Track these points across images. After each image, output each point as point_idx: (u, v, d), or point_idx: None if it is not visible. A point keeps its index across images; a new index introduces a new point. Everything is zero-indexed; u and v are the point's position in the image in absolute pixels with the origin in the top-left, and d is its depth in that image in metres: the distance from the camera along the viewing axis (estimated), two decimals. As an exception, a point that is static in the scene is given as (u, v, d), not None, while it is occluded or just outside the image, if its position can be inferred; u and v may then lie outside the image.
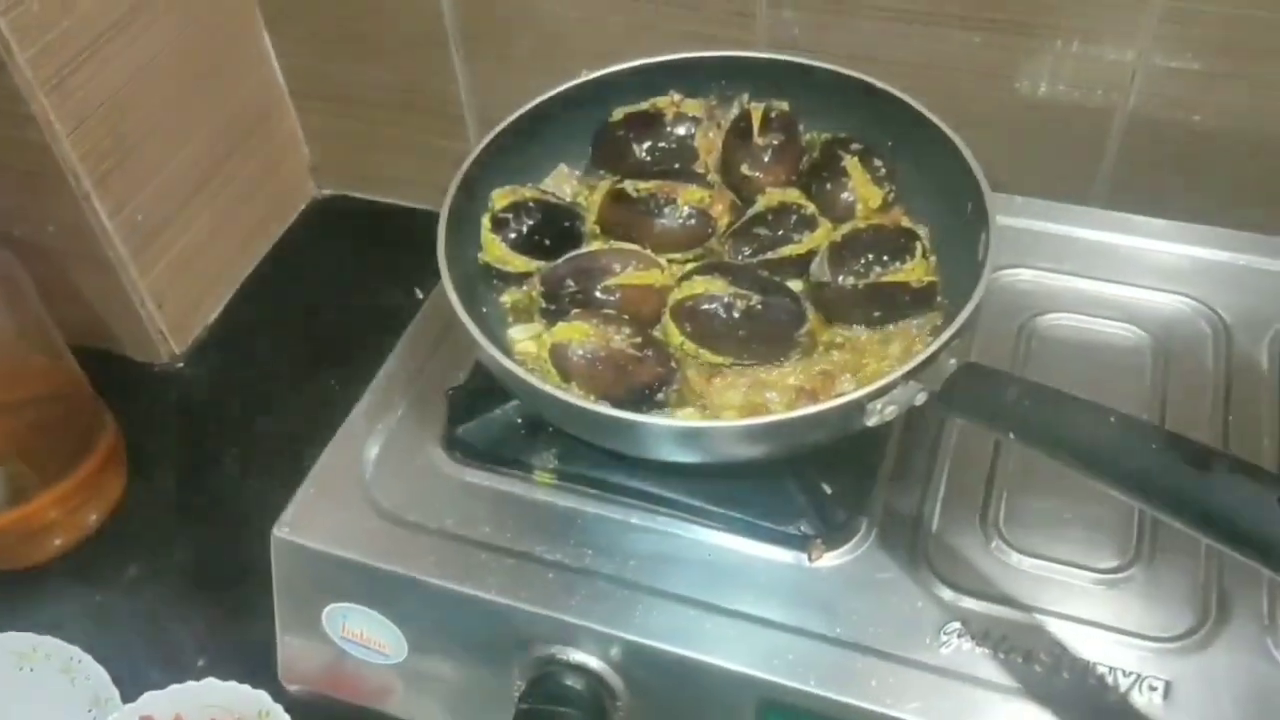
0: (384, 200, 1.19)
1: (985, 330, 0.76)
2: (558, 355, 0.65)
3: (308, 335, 1.08)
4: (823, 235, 0.72)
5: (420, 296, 0.90)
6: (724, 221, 0.73)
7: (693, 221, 0.72)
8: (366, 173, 1.17)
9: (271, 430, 0.98)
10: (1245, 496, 0.45)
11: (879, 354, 0.68)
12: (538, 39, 0.97)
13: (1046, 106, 0.85)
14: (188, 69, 0.98)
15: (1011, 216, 0.83)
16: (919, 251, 0.69)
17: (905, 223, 0.72)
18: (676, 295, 0.68)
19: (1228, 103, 0.80)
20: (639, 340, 0.65)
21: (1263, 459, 0.67)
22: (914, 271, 0.68)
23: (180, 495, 0.94)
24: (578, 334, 0.65)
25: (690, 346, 0.67)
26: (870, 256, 0.68)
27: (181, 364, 1.05)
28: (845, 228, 0.71)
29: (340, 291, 1.12)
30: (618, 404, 0.64)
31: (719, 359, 0.67)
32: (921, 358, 0.59)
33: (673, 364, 0.66)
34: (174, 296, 1.03)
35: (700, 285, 0.67)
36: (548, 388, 0.61)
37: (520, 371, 0.61)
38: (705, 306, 0.66)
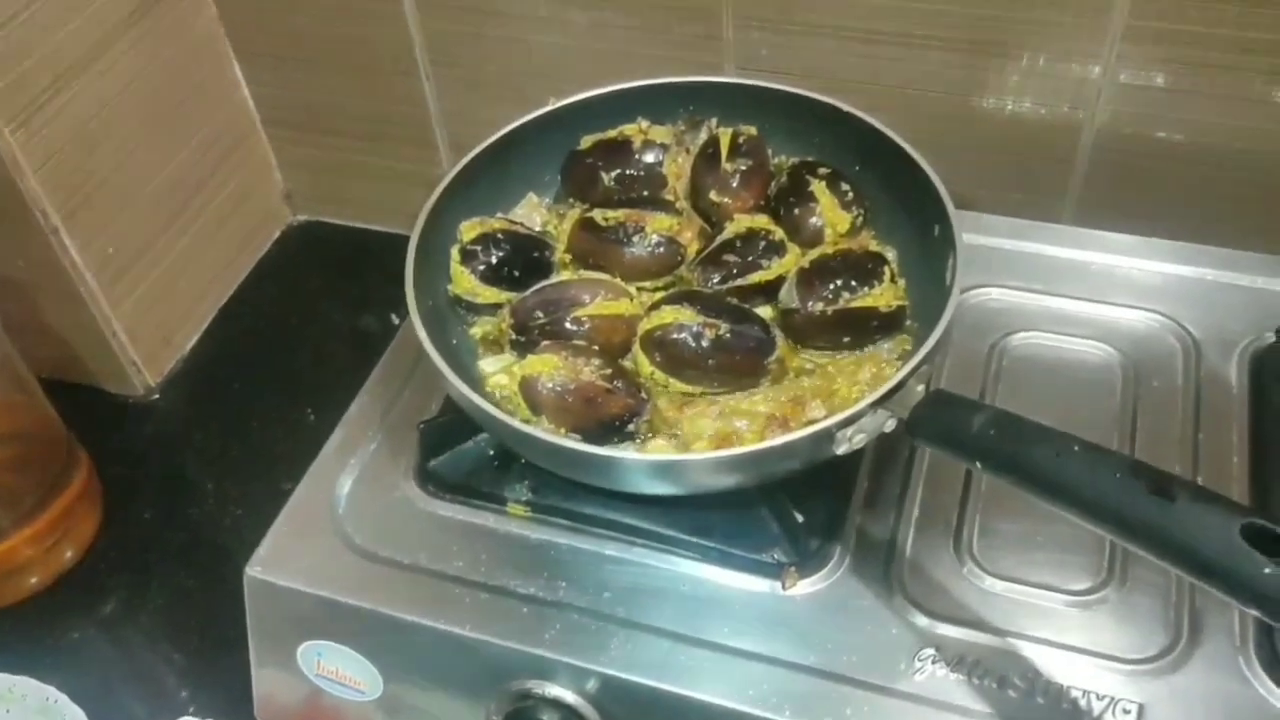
0: (359, 225, 1.19)
1: (956, 351, 0.76)
2: (527, 388, 0.65)
3: (284, 364, 1.07)
4: (791, 261, 0.72)
5: (396, 322, 0.89)
6: (693, 248, 0.73)
7: (661, 249, 0.72)
8: (341, 198, 1.17)
9: (247, 461, 0.97)
10: (1207, 526, 0.46)
11: (850, 379, 0.68)
12: (507, 65, 0.97)
13: (1014, 124, 0.85)
14: (157, 101, 0.98)
15: (981, 235, 0.83)
16: (887, 276, 0.69)
17: (874, 247, 0.72)
18: (645, 325, 0.68)
19: (1193, 118, 0.81)
20: (609, 372, 0.65)
21: (1232, 477, 0.68)
22: (882, 296, 0.68)
23: (157, 530, 0.93)
24: (547, 367, 0.65)
25: (660, 376, 0.67)
26: (839, 282, 0.68)
27: (156, 395, 1.04)
28: (814, 253, 0.71)
29: (317, 318, 1.12)
30: (589, 436, 0.64)
31: (689, 388, 0.67)
32: (888, 386, 0.59)
33: (643, 395, 0.66)
34: (147, 328, 1.03)
35: (669, 315, 0.67)
36: (515, 423, 0.61)
37: (487, 406, 0.61)
38: (674, 336, 0.66)
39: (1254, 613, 0.45)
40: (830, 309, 0.68)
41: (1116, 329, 0.77)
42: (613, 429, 0.65)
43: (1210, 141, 0.81)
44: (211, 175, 1.07)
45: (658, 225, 0.72)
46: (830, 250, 0.71)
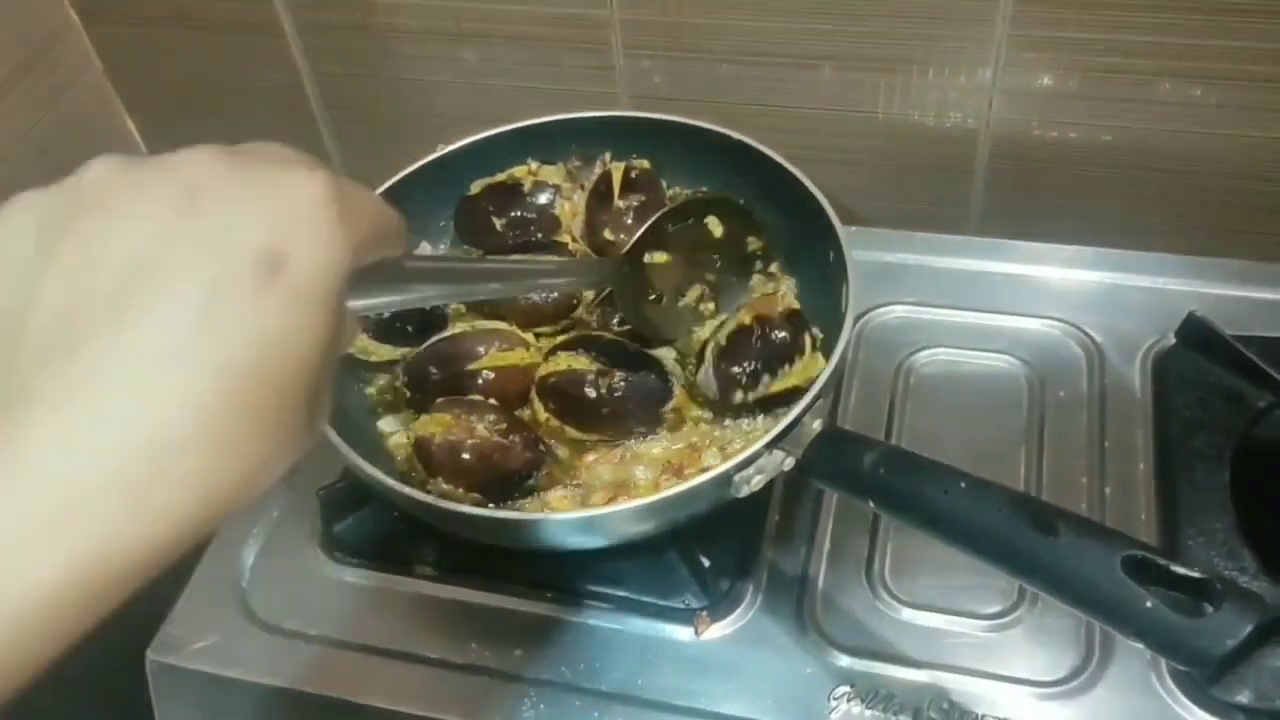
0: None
1: (863, 373, 0.76)
2: (421, 449, 0.64)
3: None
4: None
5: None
6: (590, 291, 0.72)
7: (555, 295, 0.71)
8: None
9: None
10: (1089, 561, 0.45)
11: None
12: (400, 105, 0.95)
13: (913, 138, 0.85)
14: (47, 164, 0.95)
15: (884, 252, 0.83)
16: (808, 345, 0.66)
17: (790, 303, 0.70)
18: (541, 372, 0.67)
19: (1083, 121, 0.81)
20: (504, 426, 0.64)
21: (1138, 483, 0.68)
22: (804, 371, 0.65)
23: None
24: (440, 426, 0.64)
25: (555, 424, 0.66)
26: (759, 364, 0.65)
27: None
28: (729, 325, 0.68)
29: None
30: (488, 493, 0.63)
31: (585, 436, 0.66)
32: (782, 425, 0.58)
33: (541, 448, 0.64)
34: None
35: (564, 361, 0.66)
36: (408, 491, 0.59)
37: (380, 476, 0.59)
38: (568, 385, 0.65)
39: (1138, 644, 0.44)
40: (752, 397, 0.65)
41: (1021, 339, 0.76)
42: (511, 484, 0.63)
43: (1103, 143, 0.81)
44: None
45: (550, 269, 0.71)
46: (748, 320, 0.67)
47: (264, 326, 0.29)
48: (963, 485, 0.50)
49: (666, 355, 0.69)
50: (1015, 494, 0.49)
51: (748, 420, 0.67)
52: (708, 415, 0.67)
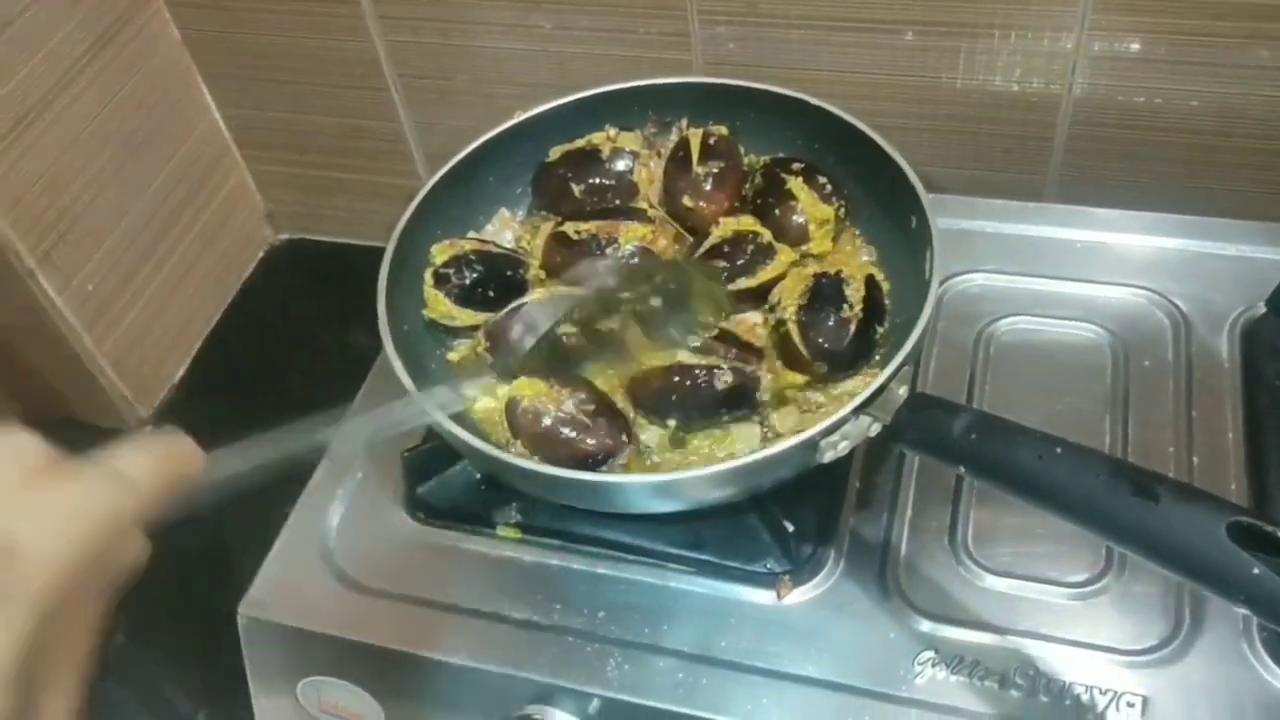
0: (342, 240, 1.18)
1: (943, 341, 0.75)
2: (510, 409, 0.65)
3: (276, 386, 1.07)
4: (783, 261, 0.70)
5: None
6: (670, 256, 0.72)
7: (636, 260, 0.71)
8: (322, 215, 1.16)
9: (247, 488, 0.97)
10: (1193, 527, 0.45)
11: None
12: (474, 74, 0.96)
13: (991, 104, 0.84)
14: (126, 132, 0.97)
15: (962, 219, 0.82)
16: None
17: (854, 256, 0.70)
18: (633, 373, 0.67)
19: (1170, 86, 0.79)
20: (591, 408, 0.64)
21: (1228, 455, 0.67)
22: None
23: (158, 562, 0.93)
24: (531, 391, 0.64)
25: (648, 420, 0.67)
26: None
27: (149, 428, 1.04)
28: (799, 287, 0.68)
29: (306, 337, 1.11)
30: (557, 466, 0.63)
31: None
32: (869, 390, 0.58)
33: (624, 436, 0.64)
34: (134, 361, 1.02)
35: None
36: (494, 451, 0.60)
37: (466, 436, 0.60)
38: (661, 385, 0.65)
39: (1244, 611, 0.44)
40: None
41: (1104, 308, 0.75)
42: (583, 466, 0.63)
43: (1189, 108, 0.80)
44: (189, 201, 1.07)
45: (631, 235, 0.72)
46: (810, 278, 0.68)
47: None
48: (1058, 450, 0.50)
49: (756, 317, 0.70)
50: (1112, 459, 0.49)
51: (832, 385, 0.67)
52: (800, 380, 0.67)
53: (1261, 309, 0.72)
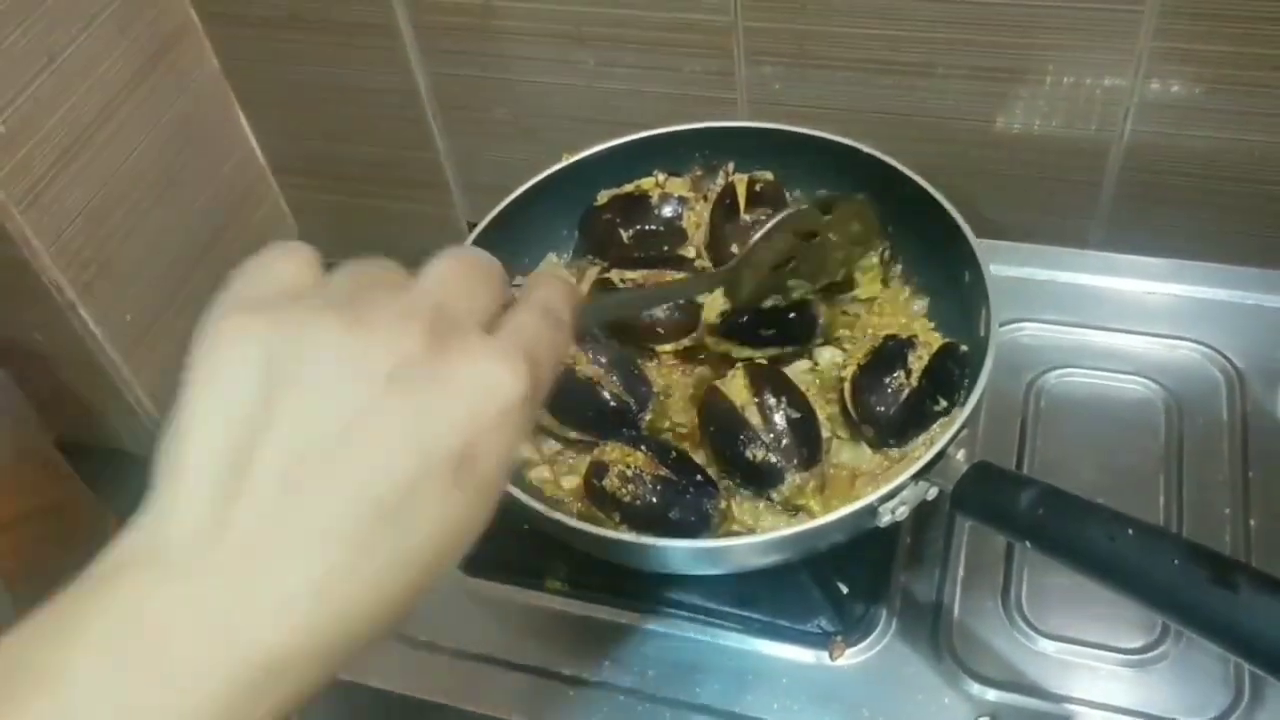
0: (375, 266, 1.17)
1: (993, 392, 0.74)
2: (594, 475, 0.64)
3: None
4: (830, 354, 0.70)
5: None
6: (714, 305, 0.72)
7: (678, 315, 0.70)
8: (358, 242, 1.14)
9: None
10: (1275, 620, 0.44)
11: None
12: (515, 107, 0.95)
13: (1040, 148, 0.83)
14: (165, 161, 0.97)
15: (1010, 266, 0.81)
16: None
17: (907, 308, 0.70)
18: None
19: (1222, 135, 0.78)
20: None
21: (1287, 519, 0.66)
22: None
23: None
24: (621, 456, 0.63)
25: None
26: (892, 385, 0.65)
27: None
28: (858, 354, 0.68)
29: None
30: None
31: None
32: (929, 456, 0.58)
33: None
34: (170, 389, 1.01)
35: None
36: (554, 514, 0.59)
37: (528, 500, 0.60)
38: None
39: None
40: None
41: (1156, 362, 0.75)
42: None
43: (1241, 158, 0.79)
44: (225, 228, 1.06)
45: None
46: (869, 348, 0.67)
47: (449, 518, 0.30)
48: (1130, 532, 0.49)
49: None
50: (1188, 544, 0.48)
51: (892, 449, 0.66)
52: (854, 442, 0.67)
53: (1318, 366, 0.72)
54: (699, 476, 0.63)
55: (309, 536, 0.29)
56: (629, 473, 0.62)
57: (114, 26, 0.89)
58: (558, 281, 0.38)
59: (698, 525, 0.61)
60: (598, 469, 0.63)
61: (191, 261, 1.03)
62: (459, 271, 0.35)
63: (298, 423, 0.30)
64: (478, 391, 0.31)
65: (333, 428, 0.30)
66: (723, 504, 0.63)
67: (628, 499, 0.61)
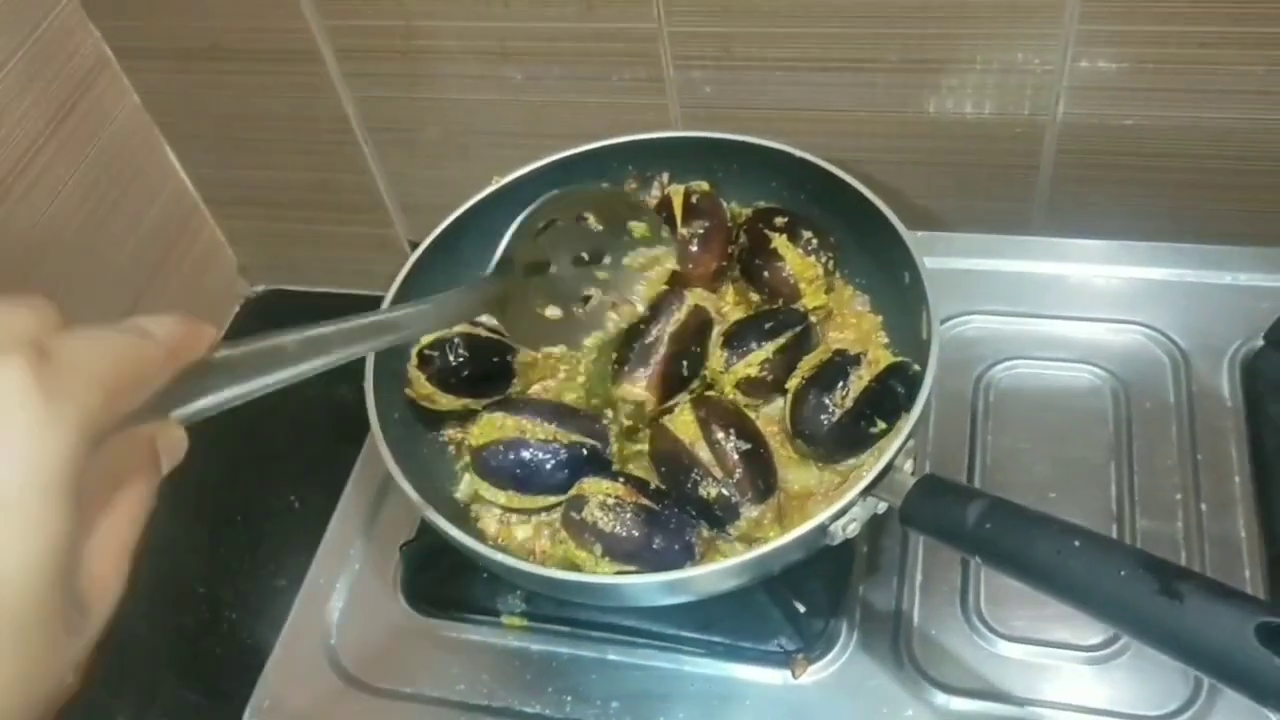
0: (320, 289, 1.16)
1: (942, 390, 0.74)
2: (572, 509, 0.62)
3: (263, 447, 1.05)
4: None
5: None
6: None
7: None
8: (297, 265, 1.14)
9: (236, 559, 0.95)
10: (1220, 628, 0.44)
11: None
12: (446, 126, 0.93)
13: (976, 134, 0.82)
14: (94, 200, 0.95)
15: (953, 258, 0.81)
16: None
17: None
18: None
19: (1156, 112, 0.78)
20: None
21: (1236, 501, 0.66)
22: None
23: (153, 643, 0.91)
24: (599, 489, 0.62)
25: None
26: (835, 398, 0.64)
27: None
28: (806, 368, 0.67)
29: (289, 392, 1.08)
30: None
31: None
32: (875, 471, 0.57)
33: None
34: (116, 431, 1.00)
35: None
36: (499, 556, 0.59)
37: (463, 537, 0.59)
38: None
39: (1275, 716, 0.43)
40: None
41: (1101, 347, 0.75)
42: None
43: (1177, 134, 0.78)
44: (162, 262, 1.04)
45: (625, 313, 0.69)
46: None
47: None
48: (1077, 544, 0.49)
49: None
50: (1135, 553, 0.48)
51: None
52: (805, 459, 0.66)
53: (1260, 342, 0.71)
54: (679, 507, 0.62)
55: None
56: (609, 502, 0.61)
57: (23, 74, 0.86)
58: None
59: (681, 555, 0.60)
60: (575, 502, 0.62)
61: (132, 296, 1.01)
62: None
63: None
64: None
65: None
66: (706, 532, 0.62)
67: (609, 529, 0.60)
